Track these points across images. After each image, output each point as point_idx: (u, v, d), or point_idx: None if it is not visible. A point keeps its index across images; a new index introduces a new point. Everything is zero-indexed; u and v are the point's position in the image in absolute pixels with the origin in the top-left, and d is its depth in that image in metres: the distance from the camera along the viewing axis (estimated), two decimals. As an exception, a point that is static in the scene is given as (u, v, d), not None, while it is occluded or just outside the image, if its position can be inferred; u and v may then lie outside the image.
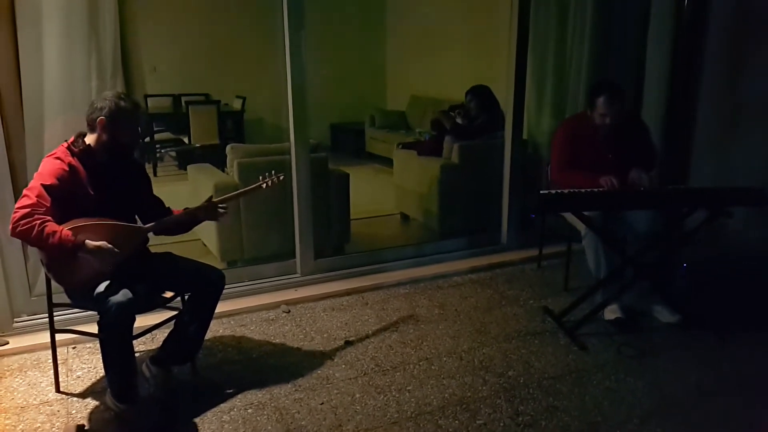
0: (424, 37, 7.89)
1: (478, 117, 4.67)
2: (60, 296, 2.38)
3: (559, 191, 2.85)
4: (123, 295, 2.16)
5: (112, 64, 2.99)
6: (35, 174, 2.22)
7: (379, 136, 7.89)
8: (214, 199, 2.50)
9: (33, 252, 2.92)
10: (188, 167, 4.59)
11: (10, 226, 2.09)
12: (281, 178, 2.60)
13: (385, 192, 5.66)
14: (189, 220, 2.52)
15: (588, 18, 4.12)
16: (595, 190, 2.90)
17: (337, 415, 2.36)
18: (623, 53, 4.22)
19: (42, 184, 2.15)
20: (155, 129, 6.93)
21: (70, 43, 2.86)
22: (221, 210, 2.52)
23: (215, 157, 5.67)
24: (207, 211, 2.49)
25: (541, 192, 2.84)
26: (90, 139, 2.33)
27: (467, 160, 4.46)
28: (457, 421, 2.32)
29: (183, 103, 7.07)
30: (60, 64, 2.86)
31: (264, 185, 2.57)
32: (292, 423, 2.31)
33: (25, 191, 2.16)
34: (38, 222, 2.08)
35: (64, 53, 2.86)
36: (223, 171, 4.14)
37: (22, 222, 2.07)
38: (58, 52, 2.85)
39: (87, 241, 2.15)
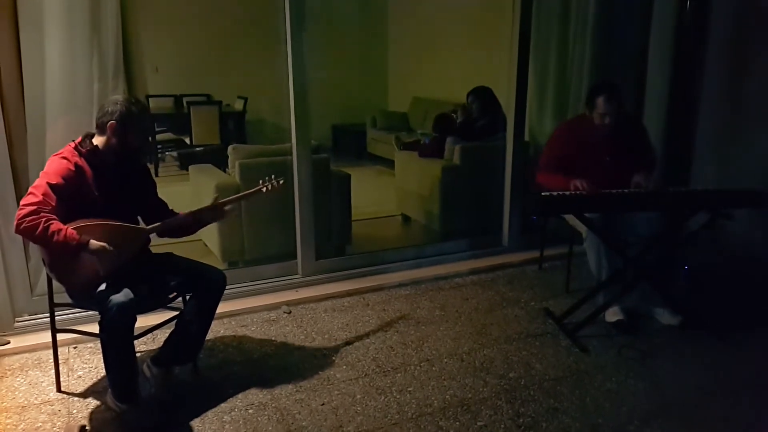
0: (426, 39, 7.90)
1: (479, 118, 4.68)
2: (61, 296, 2.38)
3: (561, 193, 2.86)
4: (124, 295, 2.16)
5: (114, 65, 3.00)
6: (41, 173, 2.23)
7: (380, 137, 7.89)
8: (220, 200, 2.51)
9: (34, 252, 2.93)
10: (189, 168, 4.59)
11: (15, 222, 2.09)
12: (281, 182, 2.59)
13: (386, 193, 5.67)
14: (194, 222, 2.51)
15: (590, 20, 4.13)
16: (575, 192, 2.92)
17: (337, 416, 2.36)
18: (625, 55, 4.22)
19: (48, 183, 2.16)
20: (157, 129, 6.94)
21: (72, 45, 2.87)
22: (227, 209, 2.52)
23: (216, 158, 5.68)
24: (212, 212, 2.50)
25: (542, 194, 2.85)
26: (98, 141, 2.34)
27: (468, 161, 4.46)
28: (458, 423, 2.32)
29: (184, 104, 7.07)
30: (62, 65, 2.86)
31: (264, 189, 2.56)
32: (293, 423, 2.32)
33: (31, 189, 2.17)
34: (44, 219, 2.08)
35: (66, 54, 2.86)
36: (225, 171, 4.14)
37: (27, 219, 2.08)
38: (60, 53, 2.85)
39: (91, 241, 2.15)
